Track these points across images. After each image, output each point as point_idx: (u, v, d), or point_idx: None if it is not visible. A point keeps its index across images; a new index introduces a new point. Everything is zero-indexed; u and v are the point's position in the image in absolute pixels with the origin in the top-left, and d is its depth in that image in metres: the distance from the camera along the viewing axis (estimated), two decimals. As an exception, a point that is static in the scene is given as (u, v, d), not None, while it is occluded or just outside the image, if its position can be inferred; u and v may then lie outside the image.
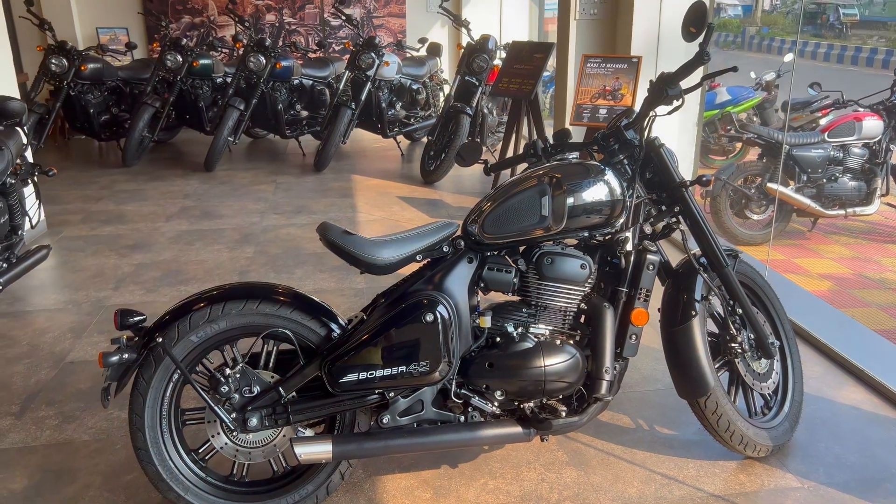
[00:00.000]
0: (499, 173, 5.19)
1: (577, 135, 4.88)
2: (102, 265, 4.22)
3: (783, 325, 2.53)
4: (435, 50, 7.80)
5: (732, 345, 2.33)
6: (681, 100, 2.12)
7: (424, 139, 6.90)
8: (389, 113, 6.81)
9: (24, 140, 3.58)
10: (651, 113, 2.18)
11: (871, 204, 5.48)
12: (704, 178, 2.27)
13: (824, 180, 5.43)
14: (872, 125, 5.42)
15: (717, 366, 2.32)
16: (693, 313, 2.23)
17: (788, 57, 10.66)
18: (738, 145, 7.71)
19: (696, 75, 2.16)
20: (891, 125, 5.47)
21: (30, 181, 3.59)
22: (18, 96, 4.58)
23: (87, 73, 6.59)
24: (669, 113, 2.18)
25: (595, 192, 2.10)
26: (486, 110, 6.40)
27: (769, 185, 5.31)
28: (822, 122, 6.13)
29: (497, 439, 2.16)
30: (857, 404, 2.73)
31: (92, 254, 4.42)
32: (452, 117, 5.88)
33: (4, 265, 3.29)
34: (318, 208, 5.36)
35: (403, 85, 6.99)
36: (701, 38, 2.02)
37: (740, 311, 2.34)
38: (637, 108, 2.29)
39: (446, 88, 7.35)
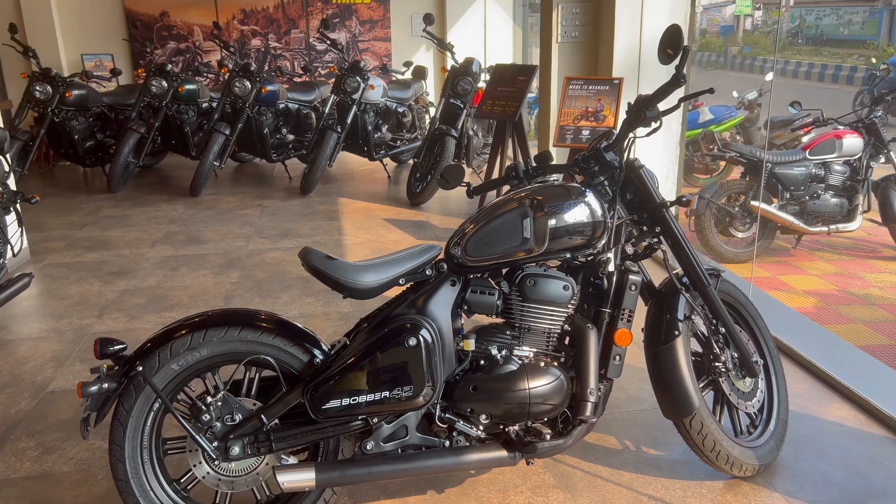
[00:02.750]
0: (484, 195, 5.21)
1: (561, 156, 4.92)
2: (86, 292, 4.19)
3: (767, 343, 2.54)
4: (420, 73, 7.86)
5: (716, 364, 2.33)
6: (659, 122, 2.15)
7: (411, 161, 6.92)
8: (375, 136, 6.83)
9: (6, 168, 3.56)
10: (630, 135, 2.20)
11: (853, 220, 5.53)
12: (684, 199, 2.28)
13: (807, 197, 5.48)
14: (853, 142, 5.49)
15: (701, 385, 2.32)
16: (676, 333, 2.23)
17: (770, 76, 10.81)
18: (722, 164, 7.79)
19: (674, 97, 2.18)
20: (870, 142, 5.54)
21: (12, 209, 3.57)
22: (1, 124, 4.57)
23: (72, 99, 6.58)
24: (648, 135, 2.21)
25: (576, 214, 2.11)
26: (471, 132, 6.44)
27: (752, 202, 5.35)
28: (804, 139, 6.21)
29: (482, 463, 2.14)
30: (842, 421, 2.73)
31: (76, 281, 4.38)
32: (438, 139, 5.91)
33: (-15, 294, 3.26)
34: (304, 232, 5.35)
35: (389, 108, 7.03)
36: (677, 61, 2.04)
37: (723, 329, 2.35)
38: (618, 129, 2.31)
39: (432, 111, 7.39)
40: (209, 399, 2.02)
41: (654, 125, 2.16)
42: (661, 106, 2.14)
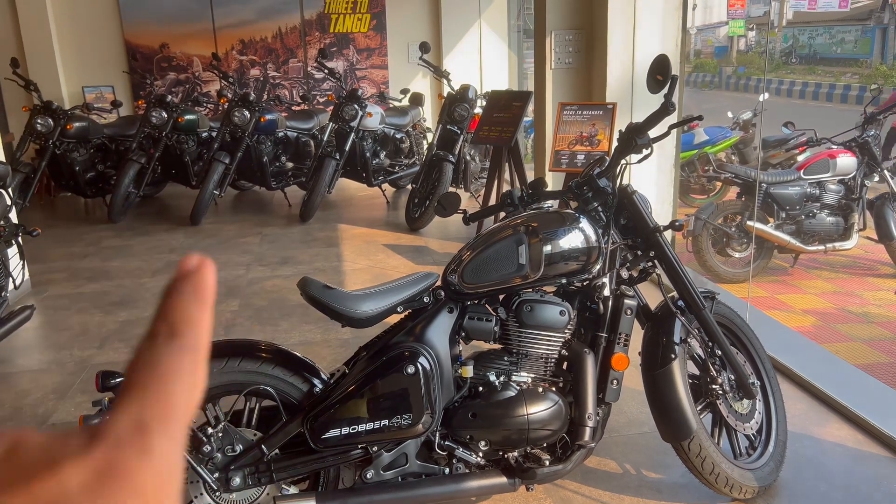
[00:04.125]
0: (482, 220, 5.25)
1: (557, 180, 4.96)
2: (87, 323, 4.21)
3: (763, 364, 2.56)
4: (417, 100, 7.94)
5: (713, 386, 2.35)
6: (650, 148, 2.19)
7: (409, 187, 6.98)
8: (374, 162, 6.89)
9: (8, 201, 3.60)
10: (622, 161, 2.24)
11: (849, 239, 5.56)
12: (677, 223, 2.32)
13: (802, 217, 5.52)
14: (847, 162, 5.54)
15: (699, 408, 2.34)
16: (673, 356, 2.25)
17: (764, 96, 10.90)
18: (718, 184, 7.84)
19: (665, 124, 2.22)
20: (864, 161, 5.59)
21: (13, 242, 3.61)
22: (4, 157, 4.62)
23: (73, 131, 6.65)
24: (640, 161, 2.25)
25: (571, 240, 2.14)
26: (468, 157, 6.50)
27: (748, 222, 5.39)
28: (799, 159, 6.27)
29: (482, 490, 2.15)
30: (841, 441, 2.74)
31: (77, 312, 4.40)
32: (436, 165, 5.96)
33: (-13, 327, 3.28)
34: (303, 258, 5.38)
35: (387, 134, 7.10)
36: (666, 89, 2.09)
37: (719, 352, 2.37)
38: (611, 155, 2.35)
39: (429, 137, 7.46)
40: (210, 430, 2.03)
41: (645, 152, 2.20)
42: (652, 133, 2.19)
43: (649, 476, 2.55)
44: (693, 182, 7.94)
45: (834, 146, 5.77)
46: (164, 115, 6.65)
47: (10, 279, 3.52)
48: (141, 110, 7.45)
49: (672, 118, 2.34)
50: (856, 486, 2.45)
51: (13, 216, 4.17)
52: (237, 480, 2.02)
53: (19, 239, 3.67)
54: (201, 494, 2.06)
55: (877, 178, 5.64)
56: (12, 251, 3.66)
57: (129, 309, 4.41)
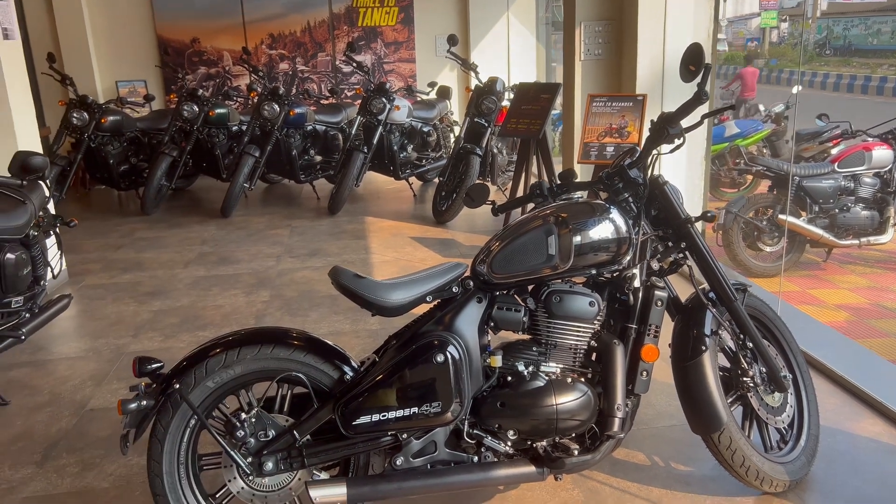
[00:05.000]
0: (509, 212, 5.24)
1: (586, 172, 4.94)
2: (122, 313, 4.30)
3: (796, 357, 2.53)
4: (444, 93, 7.95)
5: (744, 379, 2.33)
6: (682, 138, 2.17)
7: (436, 180, 6.99)
8: (401, 155, 6.92)
9: (47, 193, 3.68)
10: (654, 151, 2.22)
11: (884, 233, 5.46)
12: (709, 214, 2.30)
13: (836, 210, 5.43)
14: (882, 155, 5.44)
15: (729, 400, 2.32)
16: (703, 348, 2.24)
17: (797, 88, 10.71)
18: (749, 178, 7.74)
19: (697, 114, 2.20)
20: (901, 154, 5.48)
21: (52, 232, 3.68)
22: (41, 150, 4.73)
23: (107, 125, 6.77)
24: (672, 151, 2.23)
25: (601, 231, 2.14)
26: (495, 150, 6.49)
27: (780, 216, 5.31)
28: (833, 152, 6.16)
29: (511, 479, 2.16)
30: (875, 436, 2.70)
31: (112, 301, 4.50)
32: (463, 158, 5.97)
33: (27, 315, 3.36)
34: (332, 251, 5.42)
35: (414, 128, 7.12)
36: (699, 79, 2.07)
37: (751, 344, 2.35)
38: (642, 146, 2.34)
39: (456, 130, 7.46)
40: (243, 416, 2.07)
41: (677, 142, 2.18)
42: (685, 122, 2.17)
43: (678, 468, 2.54)
44: (723, 175, 7.84)
45: (870, 138, 5.66)
46: (196, 108, 6.74)
47: (49, 269, 3.60)
48: (172, 104, 7.55)
49: (704, 108, 2.32)
50: (890, 482, 2.42)
51: (51, 207, 4.26)
52: (269, 465, 2.06)
53: (57, 229, 3.75)
54: (235, 478, 2.10)
55: (914, 171, 5.52)
56: (50, 242, 3.73)
57: (163, 299, 4.49)
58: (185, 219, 6.64)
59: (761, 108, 9.01)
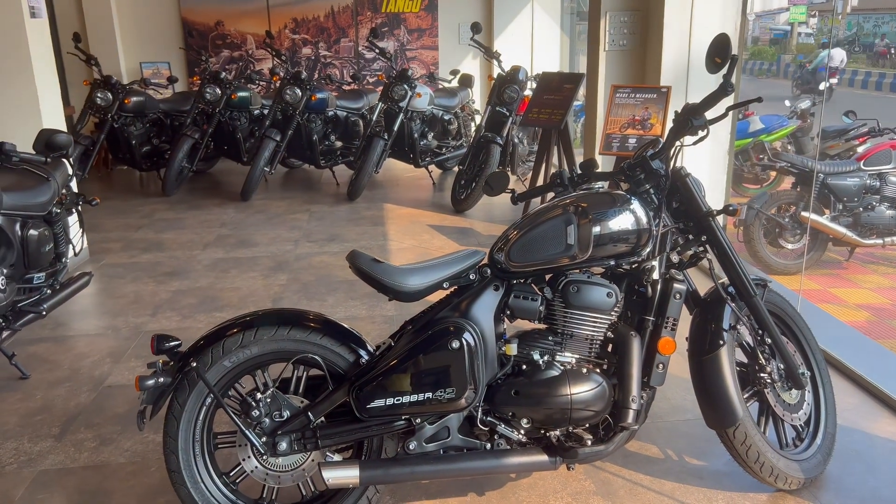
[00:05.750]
0: (529, 202, 5.22)
1: (607, 164, 4.90)
2: (141, 292, 4.34)
3: (814, 354, 2.50)
4: (466, 81, 7.92)
5: (762, 375, 2.31)
6: (706, 130, 2.15)
7: (455, 168, 6.97)
8: (421, 143, 6.91)
9: (70, 171, 3.72)
10: (677, 143, 2.20)
11: (910, 233, 5.38)
12: (731, 208, 2.27)
13: (860, 209, 5.35)
14: (910, 153, 5.34)
15: (746, 396, 2.30)
16: (721, 342, 2.22)
17: (823, 85, 10.55)
18: (773, 174, 7.64)
19: (722, 106, 2.17)
20: (929, 153, 5.38)
21: (74, 210, 3.72)
22: (65, 129, 4.77)
23: (131, 106, 6.82)
24: (695, 143, 2.21)
25: (621, 221, 2.12)
26: (516, 140, 6.46)
27: (804, 213, 5.25)
28: (860, 150, 6.06)
29: (523, 467, 2.16)
30: (893, 437, 2.67)
31: (131, 281, 4.54)
32: (483, 147, 5.95)
33: (48, 291, 3.41)
34: (350, 237, 5.44)
35: (435, 115, 7.10)
36: (725, 70, 2.04)
37: (769, 340, 2.32)
38: (665, 137, 2.32)
39: (477, 119, 7.44)
40: (259, 395, 2.09)
41: (700, 134, 2.16)
42: (709, 114, 2.14)
43: (691, 462, 2.53)
44: (746, 171, 7.75)
45: (897, 137, 5.56)
46: (218, 91, 6.76)
47: (71, 246, 3.64)
48: (195, 86, 7.59)
49: (729, 100, 2.29)
50: (907, 484, 2.39)
51: (73, 186, 4.31)
52: (283, 445, 2.07)
53: (79, 208, 3.79)
54: (249, 458, 2.12)
55: (942, 171, 5.42)
56: (72, 220, 3.78)
57: (181, 279, 4.53)
58: (204, 201, 6.68)
59: (787, 103, 8.89)
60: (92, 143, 6.63)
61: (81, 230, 3.97)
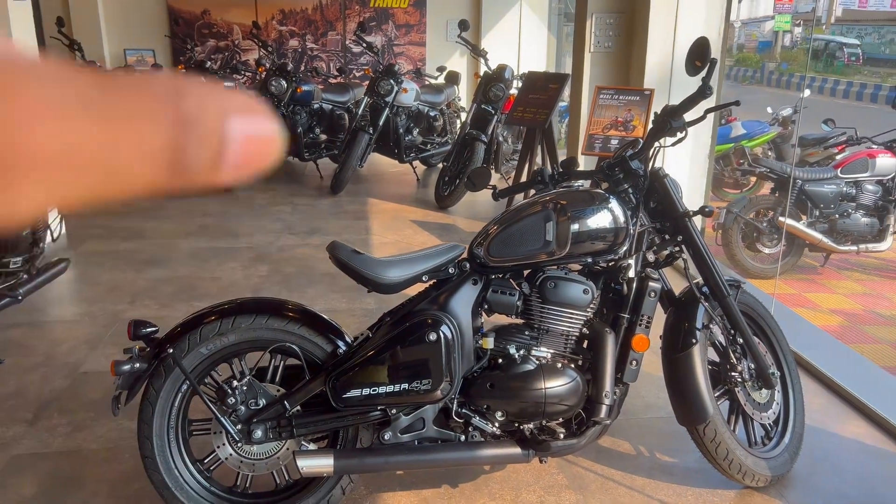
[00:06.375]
0: (511, 198, 5.25)
1: (590, 164, 4.94)
2: (120, 280, 4.32)
3: (785, 356, 2.55)
4: (453, 78, 7.93)
5: (733, 374, 2.35)
6: (685, 132, 2.18)
7: (440, 165, 6.99)
8: (406, 139, 6.91)
9: (50, 156, 3.70)
10: (656, 144, 2.23)
11: (883, 240, 5.47)
12: (707, 209, 2.31)
13: (837, 216, 5.44)
14: (886, 162, 5.44)
15: (717, 394, 2.34)
16: (693, 341, 2.26)
17: (806, 93, 10.67)
18: (753, 179, 7.73)
19: (701, 108, 2.21)
20: (904, 162, 5.48)
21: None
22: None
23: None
24: (674, 144, 2.24)
25: (599, 220, 2.15)
26: (501, 138, 6.49)
27: (780, 218, 5.32)
28: (838, 157, 6.16)
29: (496, 459, 2.19)
30: (859, 438, 2.73)
31: (110, 268, 4.51)
32: (468, 144, 5.97)
33: (25, 276, 3.38)
34: (332, 230, 5.44)
35: (421, 111, 7.11)
36: (704, 73, 2.08)
37: (741, 340, 2.37)
38: (645, 138, 2.35)
39: (463, 116, 7.46)
40: (235, 383, 2.09)
41: (679, 135, 2.19)
42: (688, 117, 2.18)
43: (662, 459, 2.57)
44: (727, 176, 7.84)
45: (874, 146, 5.66)
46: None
47: (49, 231, 3.62)
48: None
49: (709, 102, 2.33)
50: (870, 483, 2.45)
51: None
52: (258, 433, 2.08)
53: (59, 193, 3.76)
54: (224, 445, 2.13)
55: (917, 181, 5.52)
56: (52, 204, 3.75)
57: (161, 268, 4.51)
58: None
59: (769, 110, 8.99)
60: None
61: (59, 216, 3.94)
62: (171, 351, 2.04)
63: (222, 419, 2.06)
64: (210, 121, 0.29)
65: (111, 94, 0.28)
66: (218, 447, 2.14)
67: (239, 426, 2.09)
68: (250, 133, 0.30)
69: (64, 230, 4.92)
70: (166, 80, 0.29)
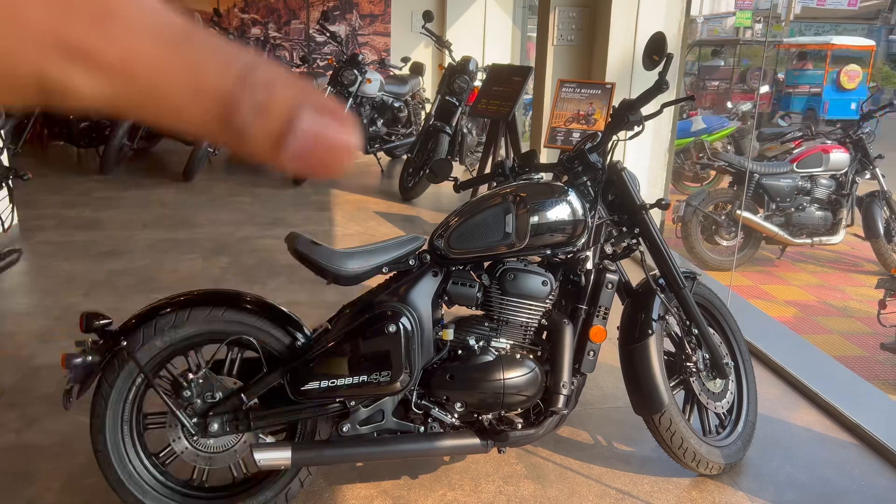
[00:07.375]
0: (476, 190, 5.26)
1: (551, 156, 4.97)
2: (74, 271, 4.22)
3: (739, 346, 2.61)
4: (417, 69, 7.90)
5: (688, 364, 2.40)
6: (641, 126, 2.21)
7: (404, 156, 6.97)
8: (370, 129, 6.87)
9: (0, 144, 3.59)
10: (614, 137, 2.26)
11: (836, 234, 5.62)
12: (664, 202, 2.35)
13: (792, 209, 5.56)
14: (839, 157, 5.57)
15: (672, 384, 2.38)
16: (650, 332, 2.29)
17: (764, 88, 10.87)
18: (713, 173, 7.86)
19: (657, 102, 2.24)
20: (857, 158, 5.62)
21: (4, 185, 3.60)
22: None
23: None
24: (631, 138, 2.27)
25: (558, 212, 2.17)
26: (465, 130, 6.49)
27: (738, 211, 5.43)
28: (794, 152, 6.29)
29: (455, 450, 2.20)
30: (810, 426, 2.80)
31: (64, 259, 4.41)
32: (432, 136, 5.96)
33: (-26, 267, 3.29)
34: (294, 221, 5.39)
35: (385, 102, 7.07)
36: (660, 68, 2.10)
37: (696, 331, 2.41)
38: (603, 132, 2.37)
39: (427, 107, 7.44)
40: (191, 376, 2.06)
41: (637, 129, 2.22)
42: (645, 111, 2.20)
43: (620, 448, 2.61)
44: (687, 169, 7.97)
45: (828, 141, 5.79)
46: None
47: (0, 221, 3.53)
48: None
49: (665, 97, 2.36)
50: (819, 470, 2.52)
51: (4, 159, 4.15)
52: (215, 426, 2.06)
53: (10, 182, 3.66)
54: (179, 438, 2.10)
55: (868, 176, 5.68)
56: (2, 194, 3.65)
57: (118, 259, 4.42)
58: (145, 181, 6.52)
59: (729, 105, 9.16)
60: (26, 117, 6.38)
61: (11, 205, 3.84)
62: (125, 343, 2.00)
63: (178, 412, 2.03)
64: (276, 101, 0.31)
65: (193, 32, 0.31)
66: (173, 441, 2.11)
67: (195, 419, 2.06)
68: (321, 133, 0.32)
69: (16, 220, 4.79)
70: (248, 52, 0.32)
